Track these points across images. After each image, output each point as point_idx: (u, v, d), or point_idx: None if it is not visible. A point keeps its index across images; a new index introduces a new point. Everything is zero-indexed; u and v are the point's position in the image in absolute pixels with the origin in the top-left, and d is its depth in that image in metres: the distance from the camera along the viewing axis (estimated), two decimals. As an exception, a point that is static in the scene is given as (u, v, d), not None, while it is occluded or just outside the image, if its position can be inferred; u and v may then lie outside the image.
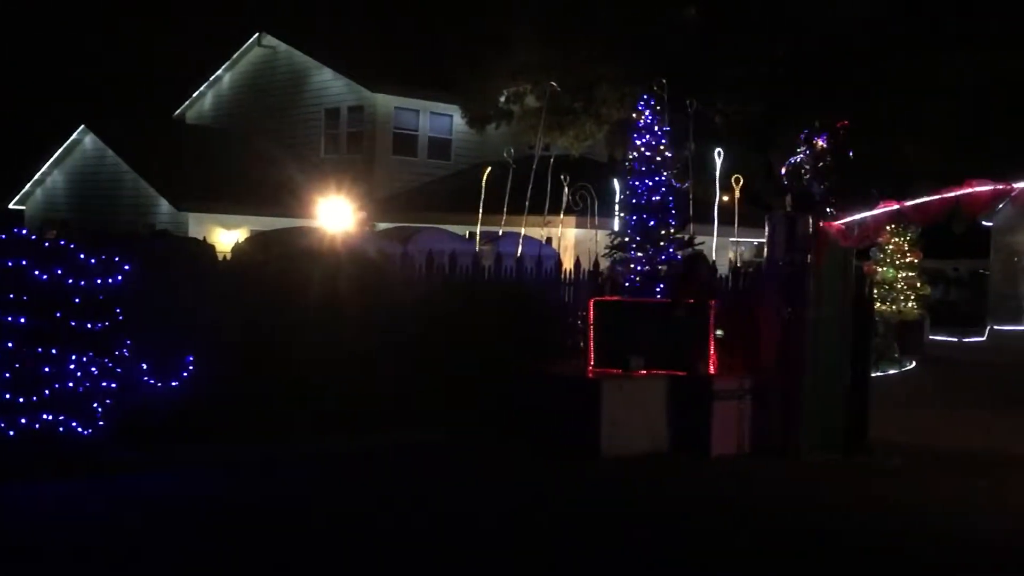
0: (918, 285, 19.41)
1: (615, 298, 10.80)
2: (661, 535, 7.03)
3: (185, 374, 8.66)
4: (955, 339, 22.81)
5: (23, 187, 24.27)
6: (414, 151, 23.22)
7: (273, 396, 9.27)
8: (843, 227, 9.76)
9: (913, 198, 9.90)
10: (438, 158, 23.42)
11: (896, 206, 9.61)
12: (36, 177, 24.01)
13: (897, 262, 19.04)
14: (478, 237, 15.20)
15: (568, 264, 13.01)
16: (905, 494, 8.50)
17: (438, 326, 10.45)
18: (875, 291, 17.23)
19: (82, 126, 22.77)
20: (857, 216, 9.87)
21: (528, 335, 10.84)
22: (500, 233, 14.80)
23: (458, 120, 22.61)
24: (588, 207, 14.46)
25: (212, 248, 10.04)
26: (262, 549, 6.37)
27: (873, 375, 11.03)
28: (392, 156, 22.88)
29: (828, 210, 10.15)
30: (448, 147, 23.58)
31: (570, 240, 17.13)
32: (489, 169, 15.37)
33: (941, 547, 6.97)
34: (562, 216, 15.20)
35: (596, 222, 14.45)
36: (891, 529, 7.40)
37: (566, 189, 14.70)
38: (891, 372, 16.49)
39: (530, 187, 14.68)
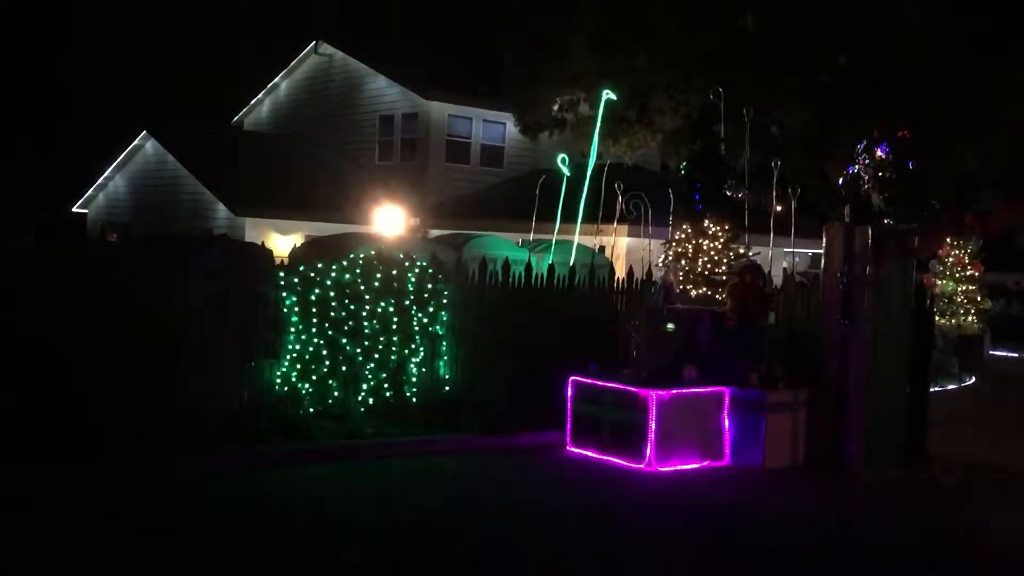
0: (979, 298, 18.99)
1: (668, 307, 10.72)
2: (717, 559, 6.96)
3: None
4: (1016, 354, 22.27)
5: (86, 191, 24.84)
6: (467, 158, 23.34)
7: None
8: (903, 239, 9.60)
9: (975, 210, 9.72)
10: (490, 165, 23.51)
11: (959, 217, 9.43)
12: (99, 182, 24.55)
13: (957, 275, 18.65)
14: (530, 245, 15.20)
15: (621, 273, 12.96)
16: (966, 512, 8.32)
17: (489, 333, 10.50)
18: (935, 304, 16.91)
19: (143, 132, 23.24)
20: (918, 227, 9.70)
21: (580, 343, 10.82)
22: (553, 241, 14.77)
23: (511, 128, 22.65)
24: (641, 216, 14.40)
25: (270, 252, 10.16)
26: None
27: (932, 390, 10.83)
28: (445, 163, 23.01)
29: (887, 221, 10.00)
30: (501, 154, 23.66)
31: (623, 249, 17.06)
32: (544, 177, 15.38)
33: (997, 568, 6.81)
34: (615, 224, 15.15)
35: (650, 231, 14.38)
36: (956, 554, 7.25)
37: (619, 197, 14.66)
38: (950, 387, 16.17)
39: (583, 195, 14.66)
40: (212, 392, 8.88)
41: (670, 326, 9.91)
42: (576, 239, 14.08)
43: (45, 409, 7.99)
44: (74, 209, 25.09)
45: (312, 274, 9.72)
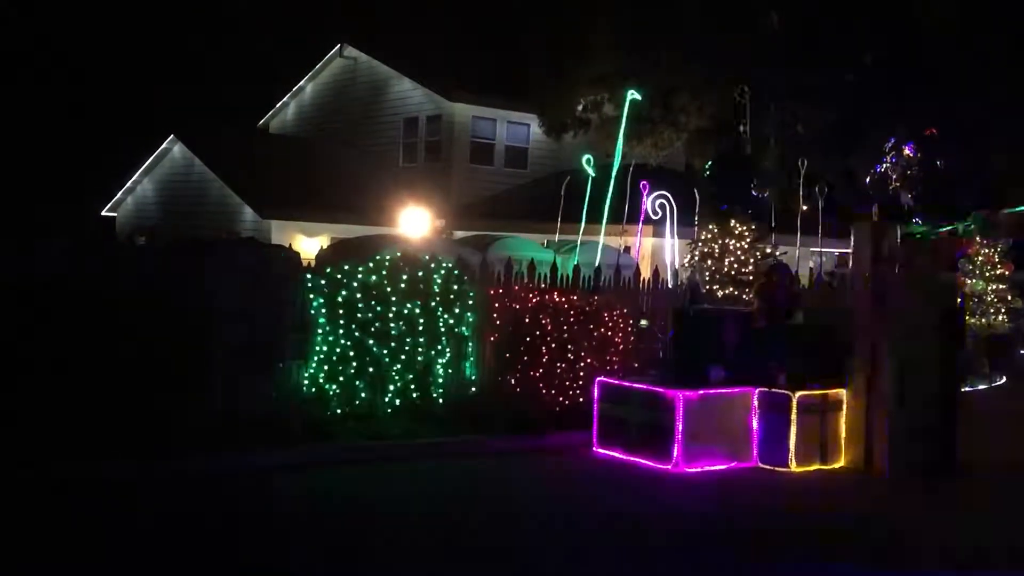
0: (1009, 298, 18.77)
1: (695, 308, 10.69)
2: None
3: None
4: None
5: (114, 195, 25.11)
6: (491, 160, 23.36)
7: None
8: (931, 237, 9.52)
9: (1004, 208, 9.62)
10: (515, 167, 23.52)
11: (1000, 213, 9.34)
12: (127, 185, 24.81)
13: (987, 274, 18.45)
14: (556, 246, 15.23)
15: (646, 273, 12.94)
16: (997, 513, 8.23)
17: (515, 333, 10.50)
18: (965, 303, 16.72)
19: (171, 136, 23.45)
20: (946, 227, 9.62)
21: (606, 344, 10.82)
22: (578, 242, 14.79)
23: (535, 129, 22.67)
24: (667, 216, 14.38)
25: (297, 255, 10.23)
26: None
27: (963, 390, 10.72)
28: (469, 165, 23.05)
29: (916, 220, 9.93)
30: (525, 156, 23.67)
31: (648, 249, 17.03)
32: (568, 178, 15.38)
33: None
34: (640, 225, 15.14)
35: (675, 231, 14.35)
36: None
37: (644, 198, 14.65)
38: (980, 387, 16.00)
39: (608, 196, 14.65)
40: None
41: (643, 323, 9.93)
42: (601, 240, 14.07)
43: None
44: (103, 213, 25.36)
45: (339, 276, 9.76)
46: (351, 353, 9.72)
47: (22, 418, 7.89)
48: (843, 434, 9.61)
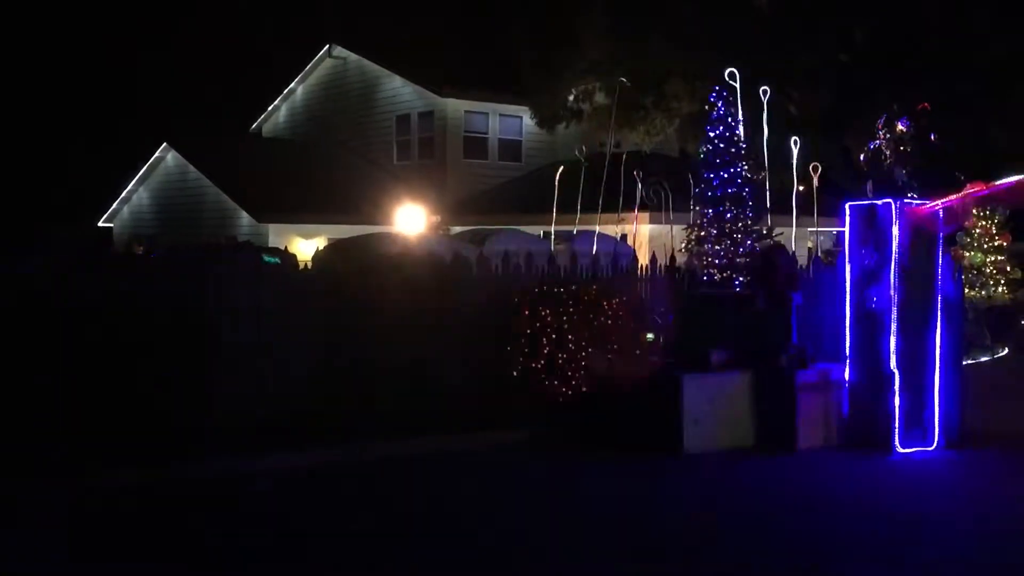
0: (1008, 269, 18.79)
1: (694, 292, 10.69)
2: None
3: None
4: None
5: (110, 206, 25.09)
6: (485, 154, 23.32)
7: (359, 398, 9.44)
8: (929, 212, 9.51)
9: (1001, 180, 9.61)
10: (509, 160, 23.48)
11: (984, 188, 9.33)
12: (122, 195, 24.77)
13: (985, 246, 18.46)
14: (552, 237, 15.21)
15: (644, 260, 12.93)
16: (1007, 487, 8.24)
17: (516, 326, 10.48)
18: (964, 276, 16.73)
19: (164, 144, 23.41)
20: (943, 200, 9.60)
21: (606, 332, 10.79)
22: (575, 232, 14.78)
23: (528, 121, 22.64)
24: (662, 202, 14.36)
25: (294, 257, 10.24)
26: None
27: (964, 363, 10.73)
28: (463, 160, 23.02)
29: (911, 195, 9.90)
30: (519, 148, 23.63)
31: (645, 236, 17.02)
32: (562, 168, 15.37)
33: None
34: (636, 212, 15.13)
35: (671, 217, 14.34)
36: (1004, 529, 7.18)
37: (639, 185, 14.64)
38: (983, 360, 16.02)
39: (603, 185, 14.64)
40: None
41: (649, 336, 9.96)
42: (597, 228, 14.07)
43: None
44: (100, 223, 25.35)
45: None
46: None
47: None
48: (848, 411, 9.61)
